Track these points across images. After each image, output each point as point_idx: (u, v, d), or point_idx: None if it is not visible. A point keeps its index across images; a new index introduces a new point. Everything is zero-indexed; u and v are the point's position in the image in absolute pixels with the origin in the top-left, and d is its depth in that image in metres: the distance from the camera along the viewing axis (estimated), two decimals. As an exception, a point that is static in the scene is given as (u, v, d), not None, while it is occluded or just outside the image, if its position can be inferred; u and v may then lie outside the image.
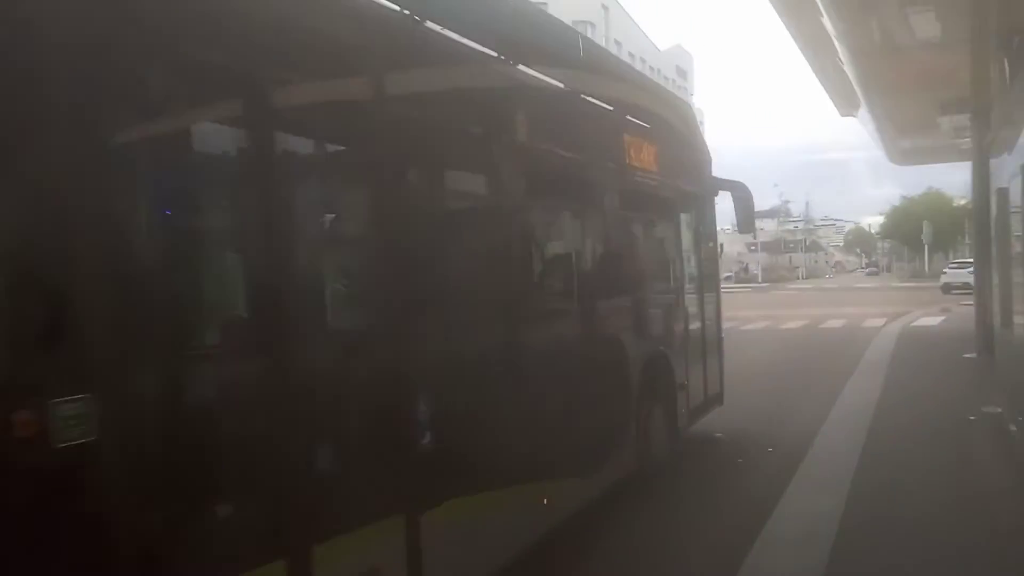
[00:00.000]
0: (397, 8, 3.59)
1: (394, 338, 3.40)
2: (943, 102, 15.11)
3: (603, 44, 43.57)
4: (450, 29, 3.94)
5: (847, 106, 20.07)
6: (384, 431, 3.31)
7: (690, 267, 7.58)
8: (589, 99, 5.55)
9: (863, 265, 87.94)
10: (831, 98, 19.95)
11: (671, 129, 7.01)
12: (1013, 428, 6.77)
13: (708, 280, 7.89)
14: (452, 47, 4.00)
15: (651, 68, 64.69)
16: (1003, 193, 7.41)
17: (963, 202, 48.76)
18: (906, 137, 21.98)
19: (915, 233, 51.33)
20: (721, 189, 8.21)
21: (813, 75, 18.15)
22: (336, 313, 3.39)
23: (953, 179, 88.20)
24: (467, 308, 3.98)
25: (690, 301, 7.29)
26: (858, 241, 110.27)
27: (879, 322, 19.99)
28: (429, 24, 3.78)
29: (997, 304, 8.64)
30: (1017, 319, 6.64)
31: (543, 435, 4.37)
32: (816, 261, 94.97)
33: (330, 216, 3.46)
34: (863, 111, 19.49)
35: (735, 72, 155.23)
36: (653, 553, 4.78)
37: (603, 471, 5.19)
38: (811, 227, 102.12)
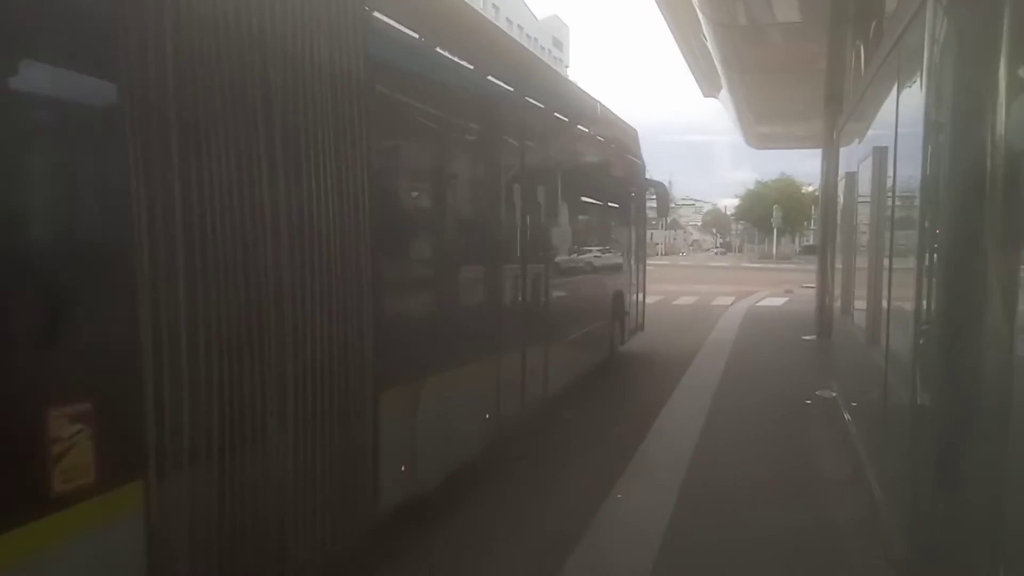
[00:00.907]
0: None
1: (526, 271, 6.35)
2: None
3: (481, 8, 42.73)
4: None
5: (710, 87, 20.34)
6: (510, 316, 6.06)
7: (632, 239, 11.16)
8: (597, 136, 9.28)
9: (717, 245, 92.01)
10: (695, 78, 20.16)
11: (629, 149, 10.80)
12: (847, 416, 6.74)
13: (640, 248, 11.63)
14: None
15: (528, 36, 64.45)
16: (851, 177, 7.37)
17: (811, 189, 51.64)
18: (763, 121, 22.60)
19: (766, 216, 53.91)
20: (649, 187, 12.05)
21: (680, 54, 18.25)
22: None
23: (804, 166, 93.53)
24: (549, 258, 7.15)
25: (631, 261, 11.04)
26: (715, 222, 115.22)
27: (728, 300, 20.60)
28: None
29: (839, 288, 8.72)
30: (857, 303, 6.59)
31: (577, 331, 8.34)
32: (675, 239, 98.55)
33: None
34: (724, 93, 19.79)
35: (607, 46, 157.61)
36: (612, 392, 9.10)
37: (597, 355, 9.30)
38: (673, 205, 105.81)
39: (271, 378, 3.27)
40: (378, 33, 4.10)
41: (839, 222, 9.41)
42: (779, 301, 20.92)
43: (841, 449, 6.21)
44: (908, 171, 4.31)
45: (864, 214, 6.28)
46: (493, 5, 62.66)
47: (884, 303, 4.86)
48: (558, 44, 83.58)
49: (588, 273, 8.86)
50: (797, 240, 67.17)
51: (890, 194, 4.74)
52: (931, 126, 3.55)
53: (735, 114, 22.06)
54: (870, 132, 5.95)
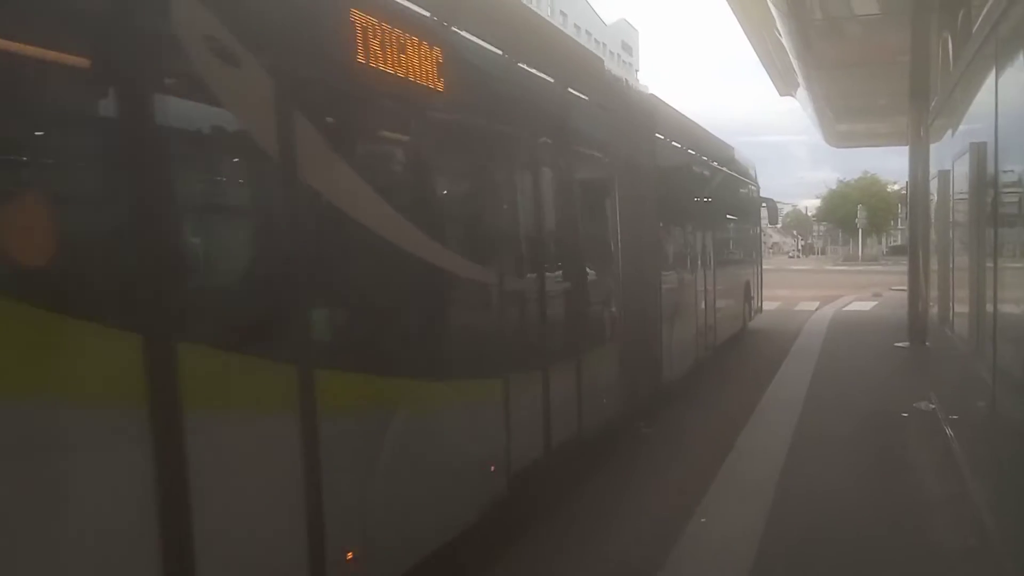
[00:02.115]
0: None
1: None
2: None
3: (549, 16, 42.75)
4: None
5: (786, 85, 19.73)
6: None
7: (754, 243, 15.59)
8: (736, 174, 13.41)
9: (798, 247, 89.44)
10: (771, 77, 19.57)
11: (751, 176, 14.99)
12: (949, 431, 6.30)
13: (758, 250, 15.98)
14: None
15: (596, 41, 64.21)
16: (944, 176, 6.92)
17: (897, 187, 49.59)
18: (843, 119, 21.79)
19: (850, 217, 52.02)
20: (762, 202, 16.17)
21: (754, 53, 17.75)
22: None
23: (889, 164, 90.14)
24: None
25: (756, 259, 15.35)
26: (795, 223, 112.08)
27: (812, 305, 19.84)
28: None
29: (934, 291, 8.22)
30: (957, 308, 6.16)
31: (735, 304, 12.72)
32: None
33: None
34: (802, 91, 19.15)
35: (678, 48, 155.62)
36: (747, 356, 11.98)
37: (735, 325, 12.72)
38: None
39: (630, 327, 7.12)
40: (659, 143, 8.45)
41: (932, 222, 8.89)
42: (867, 305, 20.05)
43: (943, 467, 5.79)
44: (1011, 166, 3.98)
45: (962, 213, 5.86)
46: (561, 12, 62.67)
47: (989, 307, 4.49)
48: (627, 48, 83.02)
49: (737, 268, 13.24)
50: (884, 241, 64.63)
51: (992, 191, 4.39)
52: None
53: (814, 112, 21.32)
54: (965, 127, 5.56)
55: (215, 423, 2.63)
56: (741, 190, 14.09)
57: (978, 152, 4.87)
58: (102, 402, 2.32)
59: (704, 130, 11.12)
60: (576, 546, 4.65)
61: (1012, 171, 3.95)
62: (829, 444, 6.59)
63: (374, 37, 3.49)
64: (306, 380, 3.02)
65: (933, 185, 8.22)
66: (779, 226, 63.13)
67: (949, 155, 6.49)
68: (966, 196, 5.43)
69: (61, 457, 2.22)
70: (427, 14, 3.99)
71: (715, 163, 11.65)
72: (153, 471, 2.42)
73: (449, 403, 4.06)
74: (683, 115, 9.98)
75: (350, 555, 3.23)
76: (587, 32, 65.74)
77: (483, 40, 4.57)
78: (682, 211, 9.58)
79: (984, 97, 4.63)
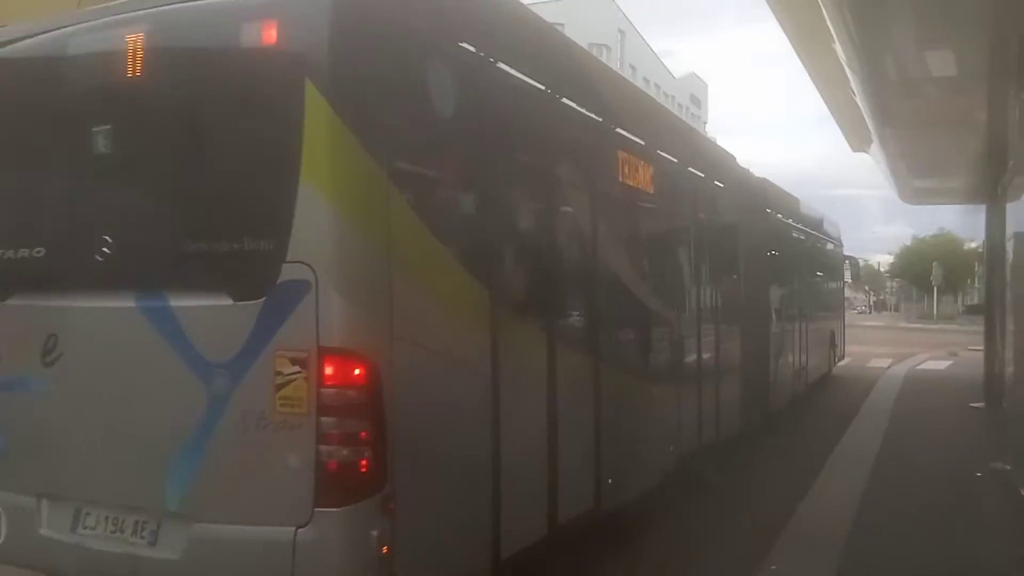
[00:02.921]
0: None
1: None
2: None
3: (618, 68, 43.48)
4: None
5: (859, 141, 19.69)
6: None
7: (839, 297, 18.25)
8: (827, 238, 16.30)
9: (871, 303, 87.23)
10: (843, 133, 19.58)
11: (838, 239, 17.45)
12: (1024, 491, 6.30)
13: (841, 303, 19.05)
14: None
15: (665, 95, 64.68)
16: (1021, 238, 7.00)
17: (974, 245, 48.29)
18: (918, 176, 21.57)
19: (925, 274, 50.77)
20: (846, 260, 18.63)
21: (826, 109, 17.86)
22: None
23: (964, 221, 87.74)
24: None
25: (840, 312, 17.89)
26: (867, 279, 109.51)
27: (885, 363, 19.51)
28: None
29: (1011, 353, 8.19)
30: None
31: (823, 350, 14.75)
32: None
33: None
34: (875, 147, 19.10)
35: (747, 100, 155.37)
36: (828, 397, 13.63)
37: (822, 369, 14.46)
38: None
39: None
40: (769, 215, 10.73)
41: (1009, 281, 8.89)
42: (942, 365, 19.63)
43: (1020, 529, 5.80)
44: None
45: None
46: (631, 66, 63.53)
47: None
48: (696, 101, 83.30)
49: (825, 319, 15.15)
50: (960, 299, 62.73)
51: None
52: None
53: (887, 168, 21.16)
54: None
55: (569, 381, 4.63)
56: (829, 250, 16.36)
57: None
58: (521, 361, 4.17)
59: (800, 201, 13.17)
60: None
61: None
62: (903, 498, 6.62)
63: (625, 164, 5.73)
64: (594, 374, 5.00)
65: (1010, 246, 8.26)
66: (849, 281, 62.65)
67: (1026, 217, 6.60)
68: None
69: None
70: (641, 142, 6.04)
71: (809, 229, 13.86)
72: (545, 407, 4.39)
73: (651, 401, 6.01)
74: (784, 191, 12.11)
75: (609, 481, 5.06)
76: (656, 85, 66.34)
77: (674, 157, 6.86)
78: (784, 270, 11.59)
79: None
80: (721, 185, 8.26)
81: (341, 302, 3.08)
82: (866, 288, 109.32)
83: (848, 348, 24.38)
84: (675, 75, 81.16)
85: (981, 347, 14.17)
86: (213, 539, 3.24)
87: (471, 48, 3.91)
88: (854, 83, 13.61)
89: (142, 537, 3.42)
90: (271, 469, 3.15)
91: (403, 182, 3.37)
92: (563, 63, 5.10)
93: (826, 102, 17.21)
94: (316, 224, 3.09)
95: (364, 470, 3.10)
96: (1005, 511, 6.28)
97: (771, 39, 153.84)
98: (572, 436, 4.53)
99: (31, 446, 3.67)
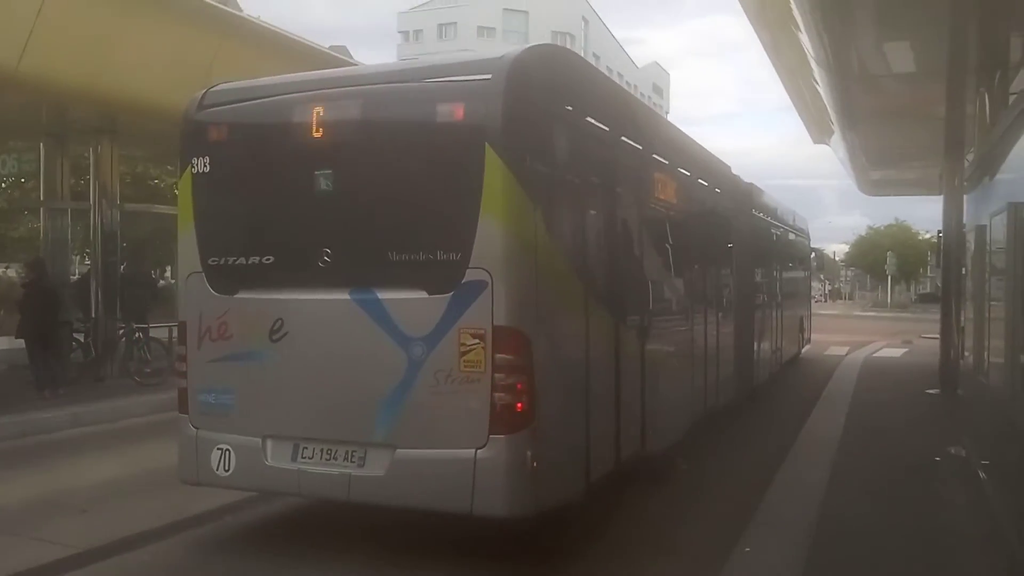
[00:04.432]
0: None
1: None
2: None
3: (581, 55, 43.54)
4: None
5: (820, 133, 20.02)
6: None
7: (806, 286, 19.66)
8: (802, 236, 18.37)
9: (825, 292, 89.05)
10: (805, 124, 19.89)
11: (806, 234, 18.98)
12: (982, 474, 6.52)
13: (808, 292, 20.28)
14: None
15: (628, 84, 64.97)
16: (982, 230, 7.22)
17: (927, 236, 49.44)
18: (878, 168, 22.01)
19: (879, 263, 51.92)
20: (813, 252, 20.36)
21: (787, 100, 18.12)
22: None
23: (918, 212, 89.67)
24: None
25: (808, 299, 19.57)
26: (823, 268, 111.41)
27: (842, 350, 19.94)
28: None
29: (968, 340, 8.45)
30: (993, 357, 6.41)
31: (795, 332, 16.42)
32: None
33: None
34: (836, 139, 19.46)
35: (709, 91, 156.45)
36: (797, 377, 15.08)
37: (793, 350, 16.15)
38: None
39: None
40: (753, 216, 11.92)
41: (967, 272, 9.15)
42: (897, 352, 20.14)
43: (978, 509, 6.01)
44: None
45: (1000, 266, 6.16)
46: (594, 55, 63.63)
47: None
48: (658, 91, 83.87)
49: (795, 306, 16.46)
50: (912, 288, 64.25)
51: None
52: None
53: (847, 159, 21.59)
54: (1004, 186, 5.88)
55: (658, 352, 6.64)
56: (800, 244, 18.03)
57: (1017, 212, 5.18)
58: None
59: (778, 201, 14.91)
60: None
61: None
62: (865, 481, 6.81)
63: (661, 183, 7.24)
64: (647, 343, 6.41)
65: (969, 237, 8.51)
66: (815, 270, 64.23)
67: (986, 210, 6.80)
68: (1004, 250, 5.73)
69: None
70: (666, 162, 7.46)
71: (785, 225, 15.50)
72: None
73: (678, 372, 7.44)
74: (766, 192, 13.36)
75: (652, 431, 6.39)
76: (619, 74, 66.64)
77: (693, 175, 8.47)
78: (764, 263, 12.99)
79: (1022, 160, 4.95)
80: (719, 191, 9.76)
81: (507, 295, 4.45)
82: (821, 277, 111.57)
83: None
84: (638, 64, 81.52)
85: (935, 335, 14.57)
86: (412, 460, 4.61)
87: (594, 121, 5.65)
88: (818, 75, 13.82)
89: (352, 461, 4.79)
90: (457, 410, 4.51)
91: (545, 214, 4.72)
92: (652, 128, 7.33)
93: (789, 94, 17.44)
94: (491, 242, 4.46)
95: (520, 410, 4.44)
96: (963, 494, 6.49)
97: (734, 29, 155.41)
98: (631, 395, 5.94)
99: (257, 401, 5.07)
